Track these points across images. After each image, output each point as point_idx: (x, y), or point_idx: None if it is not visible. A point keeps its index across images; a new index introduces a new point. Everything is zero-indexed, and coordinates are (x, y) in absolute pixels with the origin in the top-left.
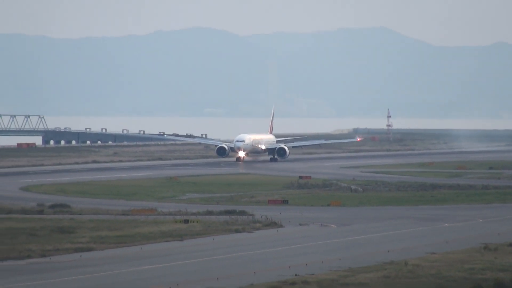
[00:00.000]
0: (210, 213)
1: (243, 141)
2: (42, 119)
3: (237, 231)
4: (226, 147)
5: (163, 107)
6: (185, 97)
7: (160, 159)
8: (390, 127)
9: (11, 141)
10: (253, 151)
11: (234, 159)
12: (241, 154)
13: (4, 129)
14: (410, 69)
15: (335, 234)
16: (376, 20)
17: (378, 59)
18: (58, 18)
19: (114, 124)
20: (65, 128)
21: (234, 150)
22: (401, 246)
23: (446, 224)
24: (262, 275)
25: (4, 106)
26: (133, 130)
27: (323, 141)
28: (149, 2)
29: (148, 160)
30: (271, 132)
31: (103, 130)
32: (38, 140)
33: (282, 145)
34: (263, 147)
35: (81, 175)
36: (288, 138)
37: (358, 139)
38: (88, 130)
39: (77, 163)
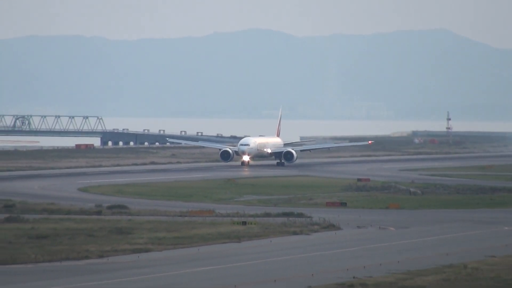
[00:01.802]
0: (267, 215)
1: (247, 144)
2: (101, 120)
3: (294, 233)
4: (230, 151)
5: (220, 109)
6: (242, 99)
7: (218, 161)
8: (449, 130)
9: (70, 142)
10: (259, 155)
11: (239, 163)
12: (246, 158)
13: (62, 130)
14: (470, 71)
15: (393, 237)
16: (435, 22)
17: (438, 61)
18: (115, 19)
19: (172, 126)
20: (123, 129)
21: (238, 154)
22: (460, 249)
23: (505, 228)
24: (320, 277)
25: (63, 107)
26: (191, 132)
27: (333, 145)
28: (207, 4)
29: (206, 161)
30: (278, 135)
31: (161, 132)
32: (96, 141)
33: (289, 149)
34: (269, 150)
35: (139, 176)
36: (296, 142)
37: (369, 142)
38: (146, 131)
39: (135, 164)
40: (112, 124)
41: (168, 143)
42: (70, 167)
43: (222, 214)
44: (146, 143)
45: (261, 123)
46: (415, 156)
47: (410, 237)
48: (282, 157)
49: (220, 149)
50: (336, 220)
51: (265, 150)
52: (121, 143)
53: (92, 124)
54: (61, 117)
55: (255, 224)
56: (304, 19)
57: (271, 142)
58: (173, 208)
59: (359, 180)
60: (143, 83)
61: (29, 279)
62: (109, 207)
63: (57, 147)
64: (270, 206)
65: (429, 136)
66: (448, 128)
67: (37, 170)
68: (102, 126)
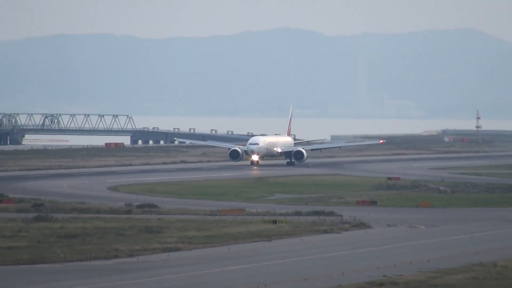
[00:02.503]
0: (298, 213)
1: (257, 144)
2: (130, 119)
3: (325, 231)
4: (239, 150)
5: (251, 107)
6: (273, 97)
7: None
8: (479, 129)
9: (100, 140)
10: (268, 154)
11: (248, 163)
12: (255, 157)
13: (92, 129)
14: (499, 70)
15: (423, 235)
16: (465, 21)
17: (467, 60)
18: (145, 18)
19: (202, 124)
20: (153, 128)
21: (248, 153)
22: (489, 247)
23: None
24: (350, 275)
25: (93, 106)
26: (222, 130)
27: (343, 144)
28: (237, 2)
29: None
30: (288, 134)
31: (192, 130)
32: (126, 140)
33: (300, 148)
34: (279, 150)
35: (169, 175)
36: (306, 141)
37: (381, 141)
38: (176, 130)
39: (165, 163)
40: (142, 122)
41: (176, 142)
42: (100, 166)
43: (252, 212)
44: (176, 142)
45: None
46: (445, 155)
47: (440, 236)
48: (292, 157)
49: (229, 148)
50: (366, 218)
51: (274, 149)
52: (151, 142)
53: (122, 122)
54: (90, 116)
55: (285, 222)
56: (334, 18)
57: (281, 141)
58: (203, 207)
59: (389, 178)
60: (173, 82)
61: (58, 279)
62: (139, 206)
63: (87, 146)
64: (300, 205)
65: (459, 135)
66: (477, 126)
67: (67, 169)
68: (132, 125)
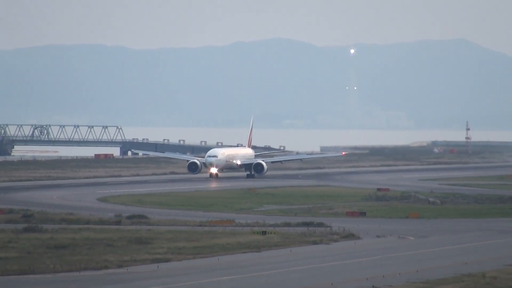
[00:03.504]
0: (287, 224)
1: (215, 156)
2: (120, 130)
3: (314, 242)
4: (198, 162)
5: (241, 119)
6: (263, 108)
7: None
8: (469, 140)
9: (89, 151)
10: (228, 166)
11: (207, 175)
12: (214, 170)
13: (81, 140)
14: (489, 81)
15: (412, 246)
16: (455, 32)
17: (458, 71)
18: (136, 29)
19: (192, 135)
20: (143, 139)
21: (206, 166)
22: (479, 258)
23: None
24: (340, 286)
25: (82, 117)
26: (211, 141)
27: (305, 156)
28: (228, 14)
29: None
30: (249, 146)
31: (181, 142)
32: (115, 151)
33: (260, 161)
34: (238, 162)
35: (158, 186)
36: (267, 153)
37: (343, 153)
38: (166, 141)
39: (155, 174)
40: (132, 133)
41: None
42: (89, 177)
43: (242, 223)
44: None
45: (282, 133)
46: (434, 166)
47: (430, 247)
48: (252, 169)
49: (188, 161)
50: (355, 229)
51: (234, 161)
52: (140, 153)
53: (111, 133)
54: (80, 127)
55: (275, 233)
56: (325, 29)
57: (241, 153)
58: (193, 218)
59: (378, 189)
60: (163, 93)
61: None
62: (129, 217)
63: (76, 157)
64: (290, 216)
65: (449, 146)
66: (467, 138)
67: (56, 180)
68: (121, 136)
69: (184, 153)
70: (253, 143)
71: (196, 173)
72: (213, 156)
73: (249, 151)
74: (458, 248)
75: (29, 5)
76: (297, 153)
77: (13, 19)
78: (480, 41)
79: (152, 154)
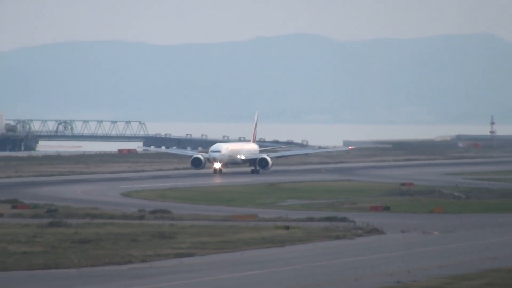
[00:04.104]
0: (311, 219)
1: (219, 151)
2: (143, 125)
3: (338, 237)
4: (201, 158)
5: (264, 113)
6: (285, 103)
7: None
8: (493, 134)
9: (112, 146)
10: (231, 162)
11: (212, 171)
12: (217, 165)
13: (105, 135)
14: None
15: (437, 241)
16: (478, 26)
17: (481, 65)
18: (157, 24)
19: (215, 131)
20: (165, 134)
21: (210, 161)
22: (504, 253)
23: None
24: (364, 282)
25: (105, 112)
26: (234, 136)
27: (310, 151)
28: (250, 8)
29: (247, 166)
30: (254, 141)
31: (204, 137)
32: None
33: (264, 156)
34: (242, 157)
35: (181, 181)
36: (270, 147)
37: (350, 148)
38: (188, 136)
39: (177, 169)
40: (155, 128)
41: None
42: (113, 172)
43: (265, 218)
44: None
45: (304, 128)
46: (458, 160)
47: (454, 242)
48: (257, 164)
49: (191, 156)
50: (379, 224)
51: (238, 157)
52: (163, 148)
53: (134, 129)
54: (103, 122)
55: (298, 228)
56: (347, 23)
57: (245, 148)
58: (216, 213)
59: (402, 184)
60: (185, 88)
61: (72, 284)
62: (152, 212)
63: (100, 152)
64: (313, 211)
65: (473, 140)
66: (491, 132)
67: (80, 175)
68: (144, 131)
69: (206, 148)
70: (274, 138)
71: (200, 169)
72: (216, 151)
73: (253, 146)
74: (483, 243)
75: (51, 1)
76: (319, 148)
77: (37, 16)
78: (503, 35)
79: (163, 151)
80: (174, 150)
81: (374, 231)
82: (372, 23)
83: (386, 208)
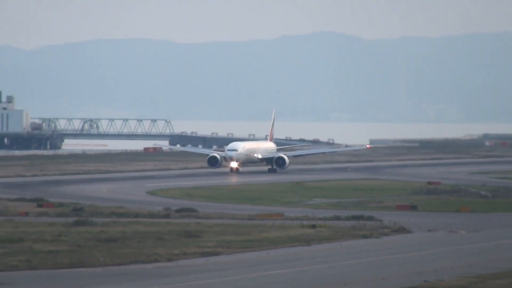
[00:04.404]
0: (337, 218)
1: (235, 150)
2: (169, 123)
3: (364, 236)
4: (218, 156)
5: (288, 112)
6: (310, 101)
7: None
8: None
9: (138, 145)
10: (248, 161)
11: (228, 170)
12: (234, 164)
13: (130, 133)
14: None
15: (464, 240)
16: (506, 24)
17: (508, 63)
18: (183, 22)
19: (241, 129)
20: (191, 132)
21: (226, 160)
22: None
23: None
24: (391, 281)
25: (131, 110)
26: (260, 135)
27: (328, 150)
28: (275, 7)
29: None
30: (271, 139)
31: (230, 135)
32: (164, 144)
33: (281, 154)
34: (259, 156)
35: (207, 179)
36: (287, 146)
37: (368, 147)
38: (214, 134)
39: (203, 168)
40: (180, 127)
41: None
42: (138, 170)
43: (291, 217)
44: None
45: (329, 126)
46: (486, 159)
47: (481, 241)
48: (274, 163)
49: (207, 155)
50: (406, 223)
51: (255, 155)
52: (200, 146)
53: (160, 127)
54: (129, 120)
55: (324, 227)
56: (373, 21)
57: (262, 147)
58: (242, 211)
59: (429, 183)
60: (211, 86)
61: (98, 283)
62: (178, 210)
63: (125, 150)
64: (340, 209)
65: (500, 139)
66: None
67: (105, 173)
68: (170, 129)
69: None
70: (300, 137)
71: (216, 167)
72: (233, 150)
73: (270, 145)
74: (510, 242)
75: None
76: (346, 146)
77: (63, 14)
78: None
79: (180, 149)
80: (189, 148)
81: (401, 230)
82: (398, 21)
83: (413, 207)
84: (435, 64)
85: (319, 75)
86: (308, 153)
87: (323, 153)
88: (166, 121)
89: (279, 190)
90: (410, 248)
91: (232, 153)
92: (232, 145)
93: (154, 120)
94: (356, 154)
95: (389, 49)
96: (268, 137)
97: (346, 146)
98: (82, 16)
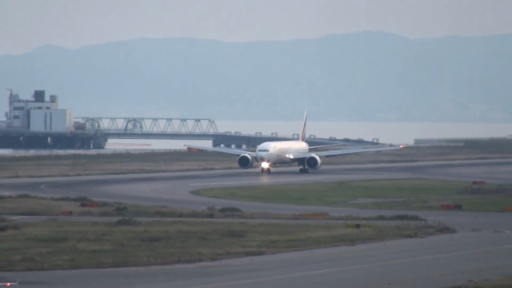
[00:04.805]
0: (382, 218)
1: (266, 150)
2: (212, 123)
3: (409, 236)
4: (249, 156)
5: (333, 112)
6: (355, 101)
7: (330, 163)
8: None
9: (181, 145)
10: (280, 161)
11: (259, 170)
12: (265, 165)
13: (174, 133)
14: None
15: (509, 240)
16: None
17: None
18: (228, 22)
19: (285, 128)
20: (235, 132)
21: (257, 160)
22: None
23: None
24: (435, 280)
25: (175, 110)
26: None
27: (360, 150)
28: (319, 6)
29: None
30: (302, 139)
31: (274, 134)
32: (208, 144)
33: (313, 154)
34: (291, 156)
35: (250, 179)
36: (319, 146)
37: (401, 147)
38: (258, 134)
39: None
40: (224, 126)
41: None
42: (182, 170)
43: (335, 217)
44: (232, 146)
45: (374, 126)
46: None
47: None
48: (306, 163)
49: (238, 155)
50: (451, 223)
51: (286, 155)
52: (233, 146)
53: (204, 127)
54: (172, 120)
55: (369, 227)
56: (417, 21)
57: (293, 147)
58: (286, 211)
59: (474, 182)
60: (255, 86)
61: (141, 282)
62: (222, 210)
63: (169, 150)
64: (384, 209)
65: None
66: None
67: (149, 173)
68: (214, 129)
69: None
70: (344, 136)
71: (247, 168)
72: (264, 150)
73: (302, 145)
74: None
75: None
76: (390, 145)
77: (106, 13)
78: None
79: (211, 149)
80: (220, 148)
81: (446, 229)
82: (442, 20)
83: (458, 207)
84: (480, 64)
85: (364, 74)
86: (340, 153)
87: (355, 153)
88: (209, 120)
89: (324, 189)
90: (454, 247)
91: (263, 154)
92: (263, 145)
93: (197, 120)
94: (400, 154)
95: (434, 48)
96: (300, 137)
97: (391, 145)
98: (125, 15)
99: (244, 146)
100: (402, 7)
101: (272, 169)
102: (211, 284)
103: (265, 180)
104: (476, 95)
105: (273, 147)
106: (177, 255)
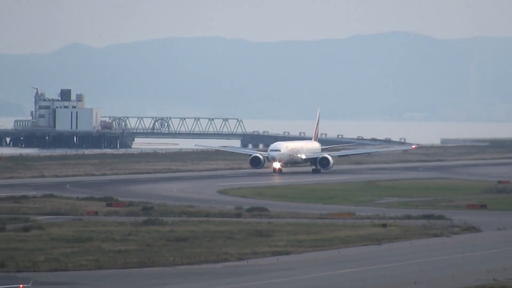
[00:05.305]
0: (408, 217)
1: (278, 150)
2: (240, 123)
3: (435, 235)
4: (261, 157)
5: (361, 111)
6: (384, 101)
7: (358, 163)
8: None
9: (210, 144)
10: (291, 161)
11: (271, 170)
12: (276, 165)
13: (202, 132)
14: None
15: None
16: None
17: None
18: (256, 21)
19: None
20: (263, 131)
21: (269, 160)
22: None
23: None
24: (460, 279)
25: (202, 109)
26: (332, 134)
27: (373, 150)
28: (348, 6)
29: (347, 164)
30: (315, 139)
31: (302, 134)
32: (236, 144)
33: (325, 155)
34: (303, 156)
35: (278, 178)
36: (332, 146)
37: (413, 147)
38: (286, 133)
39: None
40: (252, 126)
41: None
42: (209, 170)
43: (362, 216)
44: (260, 146)
45: (402, 125)
46: None
47: None
48: (318, 164)
49: (250, 155)
50: (476, 222)
51: (298, 155)
52: (261, 146)
53: (232, 126)
54: (200, 119)
55: (395, 226)
56: (445, 21)
57: (305, 147)
58: (313, 211)
59: (499, 182)
60: (284, 85)
61: (168, 282)
62: (249, 210)
63: (197, 149)
64: (410, 208)
65: None
66: None
67: (176, 172)
68: (242, 128)
69: None
70: (371, 136)
71: (258, 168)
72: (275, 150)
73: (315, 145)
74: None
75: None
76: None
77: (135, 12)
78: None
79: (219, 148)
80: (232, 148)
81: (471, 229)
82: (469, 21)
83: (483, 206)
84: (506, 64)
85: (392, 74)
86: (352, 153)
87: (369, 153)
88: (237, 120)
89: (351, 189)
90: (479, 246)
91: (275, 154)
92: (275, 145)
93: (225, 119)
94: (427, 154)
95: (461, 48)
96: (313, 137)
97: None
98: (152, 14)
99: (261, 146)
100: (431, 8)
101: (284, 170)
102: (237, 284)
103: (293, 180)
104: (502, 95)
105: (284, 147)
106: (204, 255)
